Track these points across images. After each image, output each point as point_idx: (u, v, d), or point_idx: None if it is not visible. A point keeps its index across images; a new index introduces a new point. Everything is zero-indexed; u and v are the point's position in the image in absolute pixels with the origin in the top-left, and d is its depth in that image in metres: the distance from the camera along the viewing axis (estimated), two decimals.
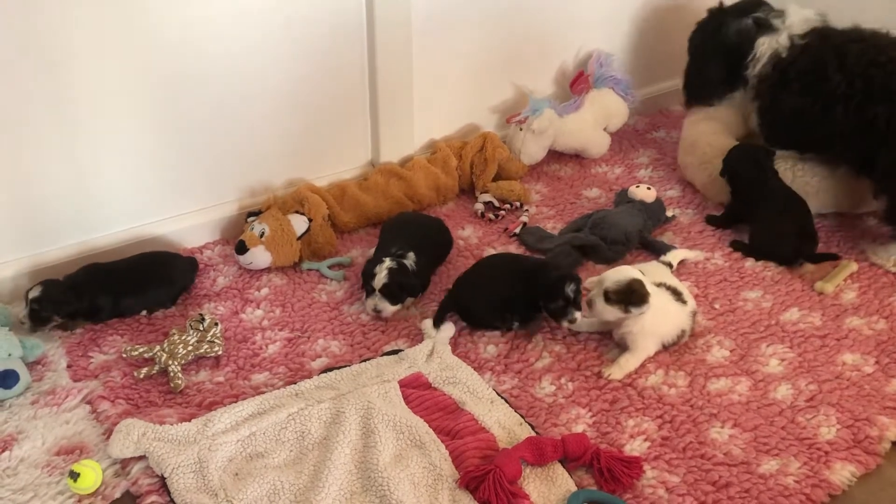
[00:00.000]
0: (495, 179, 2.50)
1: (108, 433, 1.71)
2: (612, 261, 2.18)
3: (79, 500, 1.61)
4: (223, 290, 2.14)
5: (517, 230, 2.33)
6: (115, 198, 2.15)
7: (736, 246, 2.26)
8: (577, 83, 2.69)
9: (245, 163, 2.30)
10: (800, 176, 2.32)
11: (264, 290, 2.14)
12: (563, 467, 1.65)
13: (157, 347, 1.90)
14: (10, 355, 1.83)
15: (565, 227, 2.35)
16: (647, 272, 1.94)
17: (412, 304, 2.09)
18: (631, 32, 2.84)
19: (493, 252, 2.25)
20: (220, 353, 1.93)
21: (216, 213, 2.30)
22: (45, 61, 1.90)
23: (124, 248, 2.15)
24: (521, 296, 1.96)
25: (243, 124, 2.24)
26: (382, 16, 2.28)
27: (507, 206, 2.44)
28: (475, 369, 1.88)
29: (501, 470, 1.58)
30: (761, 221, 2.24)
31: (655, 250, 2.23)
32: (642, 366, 1.89)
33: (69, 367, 1.91)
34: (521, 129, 2.57)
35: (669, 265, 2.12)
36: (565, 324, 1.94)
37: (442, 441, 1.69)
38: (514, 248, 2.28)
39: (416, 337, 1.99)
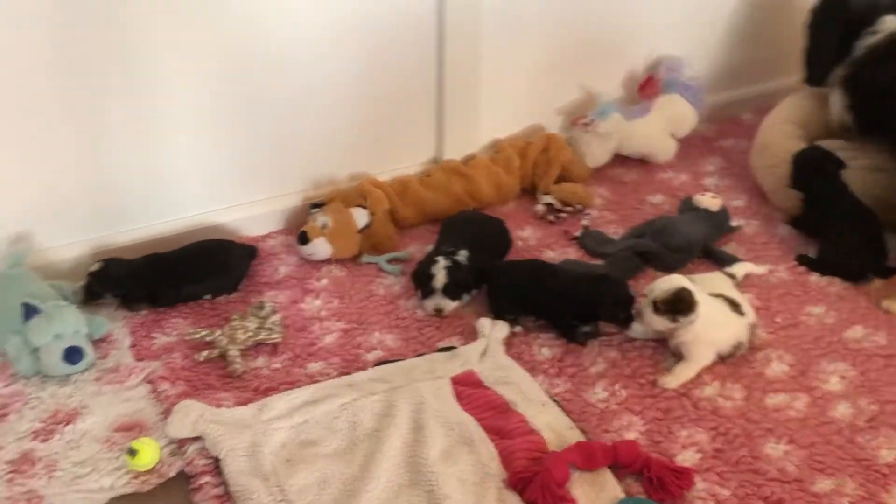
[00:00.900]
0: (558, 182, 2.49)
1: (167, 413, 1.77)
2: (673, 268, 2.16)
3: (135, 477, 1.66)
4: (284, 279, 2.19)
5: (578, 233, 2.33)
6: (182, 185, 2.21)
7: (802, 260, 2.22)
8: (646, 87, 2.68)
9: (310, 155, 2.35)
10: (871, 184, 2.26)
11: (324, 281, 2.19)
12: (612, 474, 1.65)
13: (218, 332, 1.96)
14: (77, 332, 1.89)
15: (627, 232, 2.34)
16: (707, 283, 1.93)
17: (469, 300, 2.10)
18: (703, 38, 2.81)
19: (551, 255, 2.26)
20: (278, 340, 1.97)
21: (280, 204, 2.35)
22: (121, 49, 1.97)
23: (188, 235, 2.20)
24: (583, 301, 1.95)
25: (310, 116, 2.29)
26: (453, 14, 2.30)
27: (569, 208, 2.44)
28: (528, 371, 1.89)
29: (550, 472, 1.58)
30: (829, 235, 2.20)
31: (718, 260, 2.21)
32: (698, 376, 1.87)
33: (132, 346, 1.98)
34: (586, 132, 2.56)
35: (733, 277, 2.10)
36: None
37: (491, 440, 1.70)
38: (573, 252, 2.28)
39: (471, 335, 2.01)
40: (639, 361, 1.93)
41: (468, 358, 1.90)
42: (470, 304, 2.11)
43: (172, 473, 1.67)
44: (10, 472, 1.66)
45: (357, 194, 2.31)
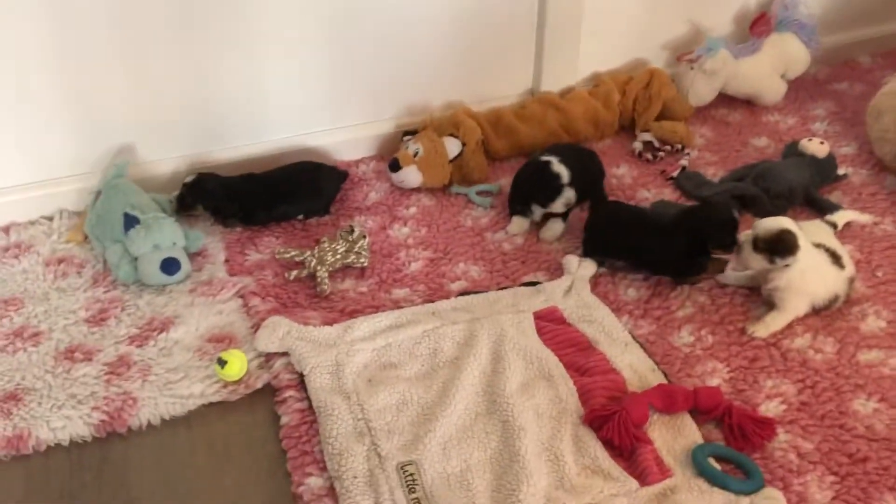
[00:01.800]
0: (658, 119, 2.43)
1: (256, 327, 1.83)
2: (771, 215, 2.09)
3: (224, 386, 1.74)
4: (374, 205, 2.22)
5: (675, 174, 2.28)
6: (279, 107, 2.25)
7: None
8: (758, 25, 2.56)
9: (405, 82, 2.35)
10: None
11: (412, 209, 2.21)
12: (692, 419, 1.64)
13: (308, 252, 2.00)
14: (174, 244, 1.96)
15: (727, 175, 2.28)
16: (807, 231, 1.86)
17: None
18: None
19: (646, 195, 2.22)
20: (365, 264, 2.01)
21: (373, 130, 2.37)
22: None
23: (283, 157, 2.24)
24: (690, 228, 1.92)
25: (407, 43, 2.28)
26: None
27: (668, 147, 2.38)
28: (613, 311, 1.88)
29: (628, 412, 1.59)
30: None
31: (821, 209, 2.13)
32: (789, 327, 1.83)
33: (226, 261, 2.05)
34: (691, 69, 2.48)
35: (834, 226, 2.03)
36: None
37: (570, 376, 1.71)
38: (668, 193, 2.24)
39: (556, 272, 2.00)
40: (728, 308, 1.89)
41: (552, 294, 1.91)
42: (559, 240, 2.10)
43: (259, 385, 1.75)
44: (108, 373, 1.76)
45: (450, 124, 2.30)
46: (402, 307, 1.90)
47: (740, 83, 2.53)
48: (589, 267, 1.97)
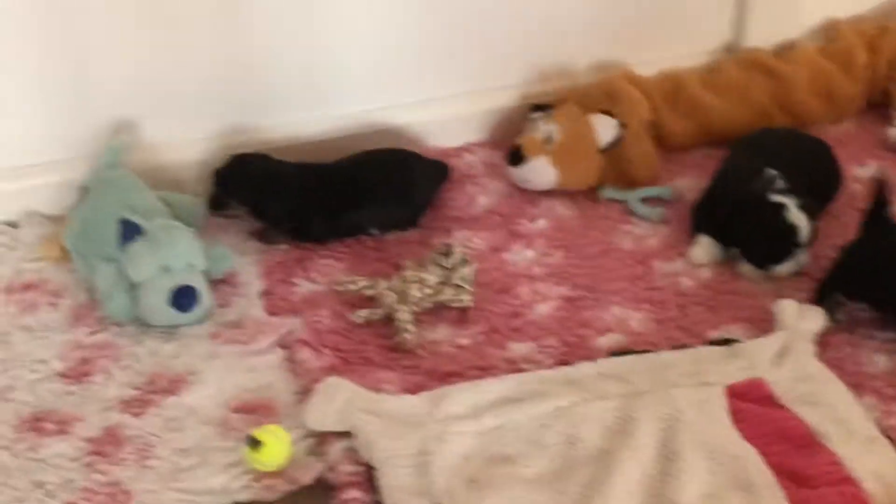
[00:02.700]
0: None
1: (306, 393, 1.85)
2: None
3: (256, 478, 1.74)
4: (483, 215, 2.24)
5: None
6: (348, 68, 2.29)
7: None
8: None
9: (534, 33, 2.37)
10: None
11: (541, 222, 2.22)
12: None
13: (385, 284, 2.02)
14: (191, 266, 1.97)
15: None
16: None
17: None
18: None
19: None
20: (468, 303, 2.02)
21: (485, 103, 2.40)
22: None
23: (353, 140, 2.28)
24: None
25: None
26: None
27: None
28: (851, 387, 1.85)
29: None
30: None
31: None
32: None
33: (265, 294, 2.08)
34: None
35: None
36: None
37: (782, 487, 1.68)
38: None
39: (763, 324, 1.98)
40: None
41: (756, 358, 1.88)
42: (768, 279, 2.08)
43: (308, 480, 1.75)
44: (90, 452, 1.78)
45: (603, 95, 2.31)
46: (522, 371, 1.90)
47: None
48: (815, 319, 1.94)
